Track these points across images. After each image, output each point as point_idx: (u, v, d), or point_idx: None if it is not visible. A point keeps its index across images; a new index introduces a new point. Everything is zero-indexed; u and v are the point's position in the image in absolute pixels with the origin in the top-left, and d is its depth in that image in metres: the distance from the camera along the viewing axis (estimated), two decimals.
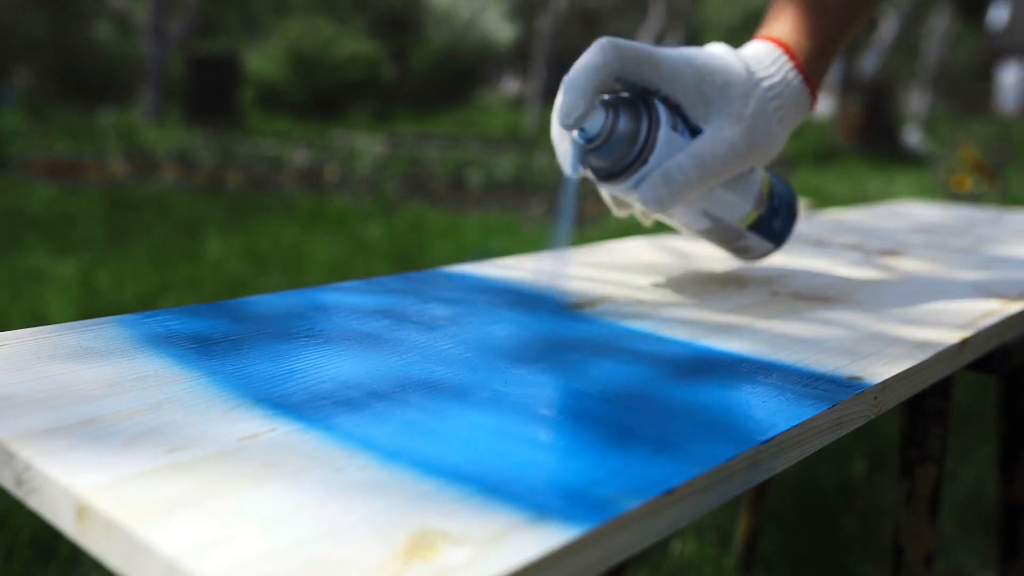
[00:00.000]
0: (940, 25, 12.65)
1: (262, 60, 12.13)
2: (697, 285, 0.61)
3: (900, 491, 0.63)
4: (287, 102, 11.90)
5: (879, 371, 0.43)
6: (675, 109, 0.54)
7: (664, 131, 0.52)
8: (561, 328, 0.48)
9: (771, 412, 0.37)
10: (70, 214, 3.72)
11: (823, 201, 5.15)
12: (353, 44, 12.26)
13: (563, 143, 0.55)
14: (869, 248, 0.80)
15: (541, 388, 0.38)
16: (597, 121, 0.51)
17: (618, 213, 0.62)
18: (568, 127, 0.50)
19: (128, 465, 0.29)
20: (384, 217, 4.02)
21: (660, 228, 4.04)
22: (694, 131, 0.54)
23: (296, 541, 0.25)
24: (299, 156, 6.30)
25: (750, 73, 0.54)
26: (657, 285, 0.61)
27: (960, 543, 1.31)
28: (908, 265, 0.72)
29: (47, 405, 0.34)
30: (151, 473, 0.29)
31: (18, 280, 2.60)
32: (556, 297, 0.56)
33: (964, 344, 0.50)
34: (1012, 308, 0.58)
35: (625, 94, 0.54)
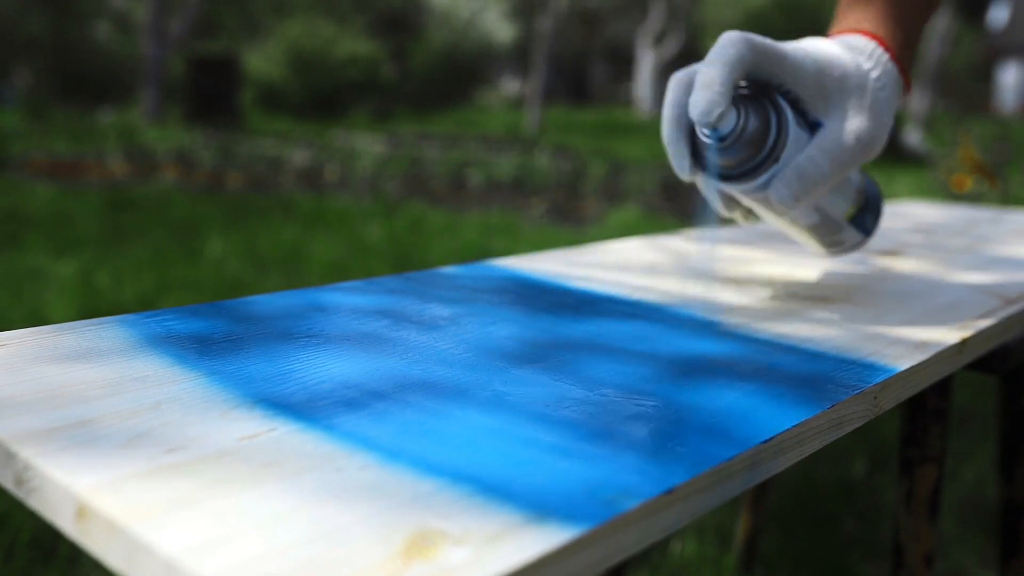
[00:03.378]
0: (940, 25, 12.65)
1: (262, 60, 12.12)
2: (697, 285, 0.61)
3: (900, 491, 0.63)
4: (287, 102, 11.90)
5: (879, 371, 0.43)
6: (794, 104, 0.53)
7: (792, 128, 0.51)
8: (561, 328, 0.48)
9: (771, 412, 0.37)
10: (70, 214, 3.72)
11: None
12: (353, 44, 12.26)
13: (679, 144, 0.53)
14: (869, 248, 0.80)
15: (541, 388, 0.38)
16: (730, 119, 0.50)
17: (727, 213, 0.61)
18: (709, 126, 0.49)
19: (128, 465, 0.29)
20: (384, 217, 4.02)
21: (661, 228, 4.03)
22: (812, 126, 0.53)
23: (295, 541, 0.25)
24: (299, 156, 6.30)
25: (858, 64, 0.54)
26: (657, 285, 0.61)
27: (960, 543, 1.31)
28: (908, 265, 0.72)
29: (47, 405, 0.34)
30: (151, 473, 0.29)
31: (18, 280, 2.60)
32: (555, 296, 0.56)
33: (964, 344, 0.50)
34: (1012, 308, 0.58)
35: (745, 90, 0.52)
